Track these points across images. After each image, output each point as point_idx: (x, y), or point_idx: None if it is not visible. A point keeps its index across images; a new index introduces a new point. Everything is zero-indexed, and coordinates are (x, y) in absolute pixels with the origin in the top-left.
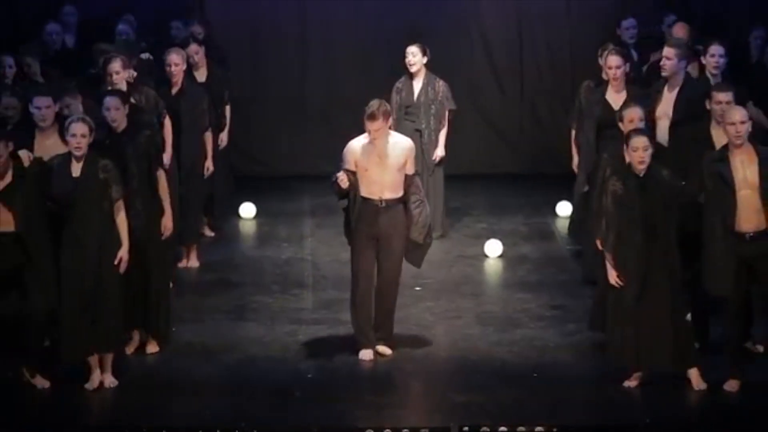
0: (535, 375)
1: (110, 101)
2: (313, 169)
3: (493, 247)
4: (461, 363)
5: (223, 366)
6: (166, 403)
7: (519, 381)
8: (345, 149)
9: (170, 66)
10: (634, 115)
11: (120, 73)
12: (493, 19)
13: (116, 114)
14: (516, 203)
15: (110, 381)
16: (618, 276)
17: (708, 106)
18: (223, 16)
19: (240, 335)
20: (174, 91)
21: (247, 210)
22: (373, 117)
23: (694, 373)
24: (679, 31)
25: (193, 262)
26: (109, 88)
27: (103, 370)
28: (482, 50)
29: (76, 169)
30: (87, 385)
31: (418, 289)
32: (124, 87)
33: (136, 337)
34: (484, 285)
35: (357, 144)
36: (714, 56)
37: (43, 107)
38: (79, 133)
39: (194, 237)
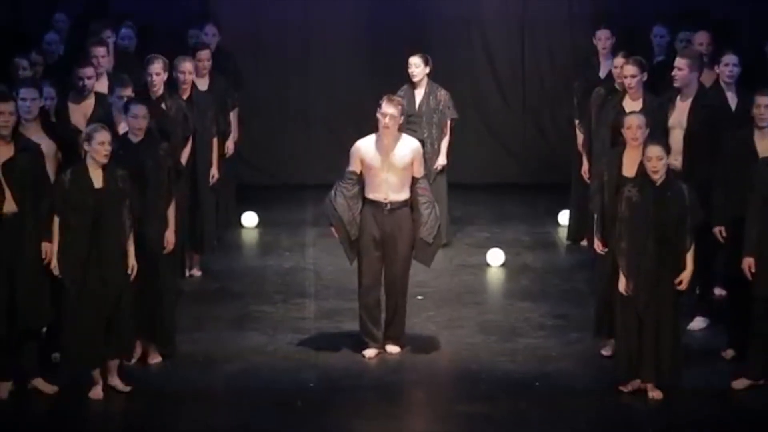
0: (537, 384)
1: (139, 109)
2: (315, 178)
3: (496, 256)
4: (463, 372)
5: (225, 375)
6: (168, 412)
7: (521, 390)
8: (352, 148)
9: (183, 74)
10: (632, 123)
11: (160, 75)
12: (495, 27)
13: (143, 123)
14: (518, 212)
15: (121, 386)
16: (628, 284)
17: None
18: (225, 24)
19: (242, 345)
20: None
21: (249, 219)
22: (392, 101)
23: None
24: (701, 38)
25: (195, 272)
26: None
27: (111, 376)
28: (484, 58)
29: (98, 179)
30: (91, 394)
31: (420, 298)
32: (161, 90)
33: (139, 348)
34: (486, 294)
35: (363, 143)
36: (728, 65)
37: (29, 99)
38: (106, 141)
39: (206, 246)
